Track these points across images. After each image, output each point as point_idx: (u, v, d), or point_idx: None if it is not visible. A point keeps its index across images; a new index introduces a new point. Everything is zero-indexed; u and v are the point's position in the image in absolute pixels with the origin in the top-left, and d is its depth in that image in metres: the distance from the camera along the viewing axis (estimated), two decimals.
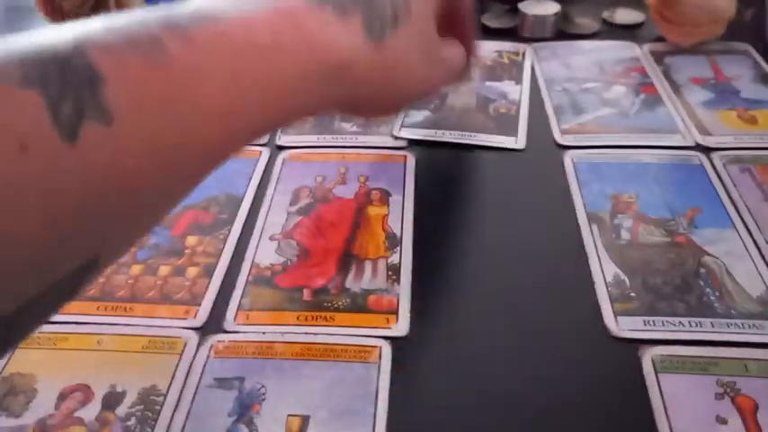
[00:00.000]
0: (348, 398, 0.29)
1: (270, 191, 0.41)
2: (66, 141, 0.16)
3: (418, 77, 0.30)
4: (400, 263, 0.36)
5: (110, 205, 0.18)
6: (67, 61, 0.17)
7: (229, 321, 0.33)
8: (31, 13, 0.61)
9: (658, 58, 0.54)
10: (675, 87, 0.50)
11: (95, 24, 0.19)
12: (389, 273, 0.35)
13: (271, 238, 0.38)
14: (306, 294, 0.34)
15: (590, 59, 0.54)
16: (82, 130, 0.17)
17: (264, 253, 0.37)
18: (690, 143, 0.44)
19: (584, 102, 0.49)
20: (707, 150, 0.44)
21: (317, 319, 0.33)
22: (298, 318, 0.33)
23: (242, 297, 0.34)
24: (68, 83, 0.17)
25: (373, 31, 0.26)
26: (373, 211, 0.39)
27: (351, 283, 0.35)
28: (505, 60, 0.54)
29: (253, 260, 0.36)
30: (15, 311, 0.17)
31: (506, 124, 0.46)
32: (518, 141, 0.45)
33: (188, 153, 0.20)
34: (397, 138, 0.45)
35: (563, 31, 0.58)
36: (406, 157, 0.44)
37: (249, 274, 0.35)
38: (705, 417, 0.28)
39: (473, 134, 0.45)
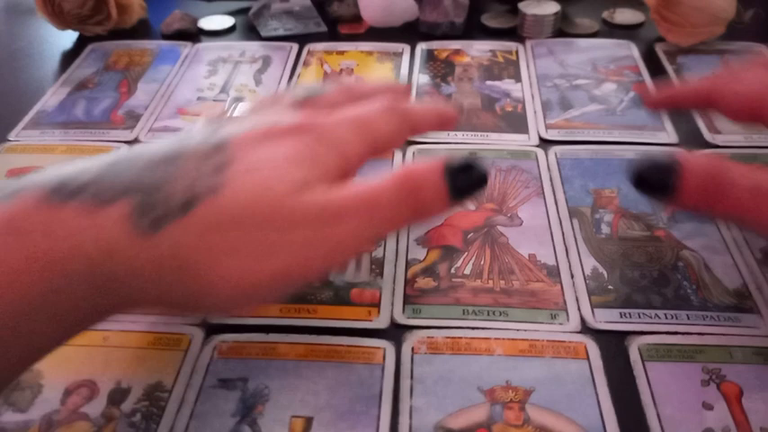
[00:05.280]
0: (352, 399, 0.29)
1: None
2: None
3: (236, 271, 0.24)
4: (384, 256, 0.36)
5: None
6: None
7: None
8: (31, 13, 0.62)
9: (671, 57, 0.54)
10: None
11: None
12: (373, 266, 0.36)
13: None
14: None
15: (585, 57, 0.54)
16: None
17: None
18: (673, 140, 0.45)
19: (573, 98, 0.49)
20: (697, 147, 0.44)
21: (299, 311, 0.34)
22: (281, 310, 0.34)
23: None
24: None
25: (142, 223, 0.23)
26: None
27: (334, 276, 0.35)
28: (500, 59, 0.55)
29: None
30: None
31: (516, 122, 0.47)
32: (530, 138, 0.45)
33: None
34: (412, 143, 0.45)
35: (563, 32, 0.58)
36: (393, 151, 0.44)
37: None
38: (692, 403, 0.28)
39: (485, 134, 0.46)
